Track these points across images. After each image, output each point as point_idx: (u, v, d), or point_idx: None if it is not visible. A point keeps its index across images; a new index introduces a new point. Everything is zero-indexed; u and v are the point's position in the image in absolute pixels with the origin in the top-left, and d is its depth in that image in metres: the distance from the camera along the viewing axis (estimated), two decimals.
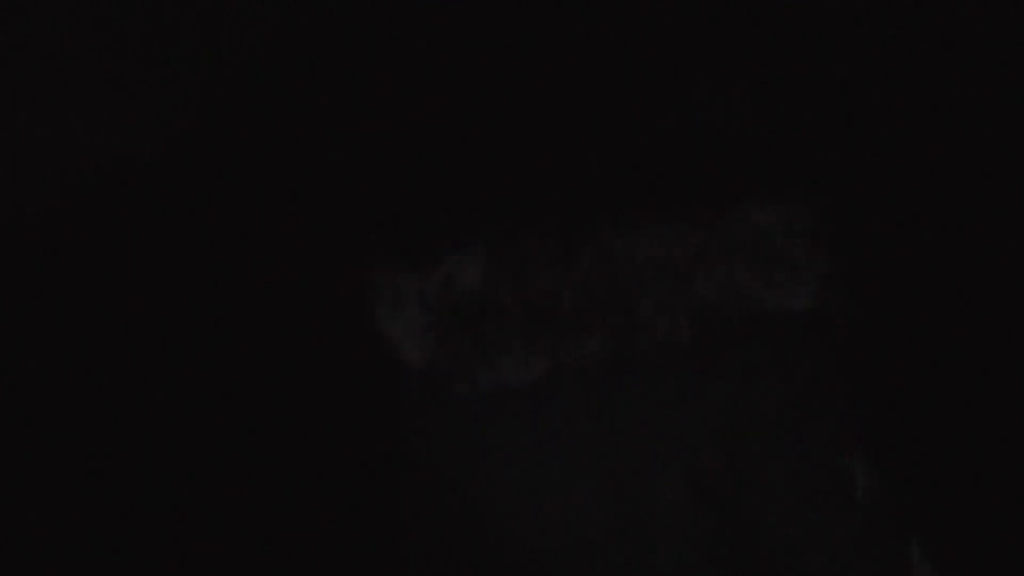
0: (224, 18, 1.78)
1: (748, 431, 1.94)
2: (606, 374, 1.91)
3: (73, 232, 1.76)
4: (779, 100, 1.96)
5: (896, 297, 1.97)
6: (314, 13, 1.83)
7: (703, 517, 1.91)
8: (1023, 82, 2.09)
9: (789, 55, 1.98)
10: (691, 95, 1.93)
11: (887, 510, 1.93)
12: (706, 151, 1.94)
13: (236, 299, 1.90)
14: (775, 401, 1.95)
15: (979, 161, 2.10)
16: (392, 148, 1.93)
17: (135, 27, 1.71)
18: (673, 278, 1.92)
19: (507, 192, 1.92)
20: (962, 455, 2.05)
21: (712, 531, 1.91)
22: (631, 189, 1.92)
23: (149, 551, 1.83)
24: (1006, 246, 2.07)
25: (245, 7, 1.79)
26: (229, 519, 1.86)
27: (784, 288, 1.95)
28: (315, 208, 1.89)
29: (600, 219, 1.90)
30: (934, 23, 2.03)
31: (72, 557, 1.76)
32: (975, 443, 2.10)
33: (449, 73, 1.92)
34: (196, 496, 1.87)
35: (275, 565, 1.86)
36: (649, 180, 1.91)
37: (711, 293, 1.93)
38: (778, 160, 1.95)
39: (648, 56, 1.90)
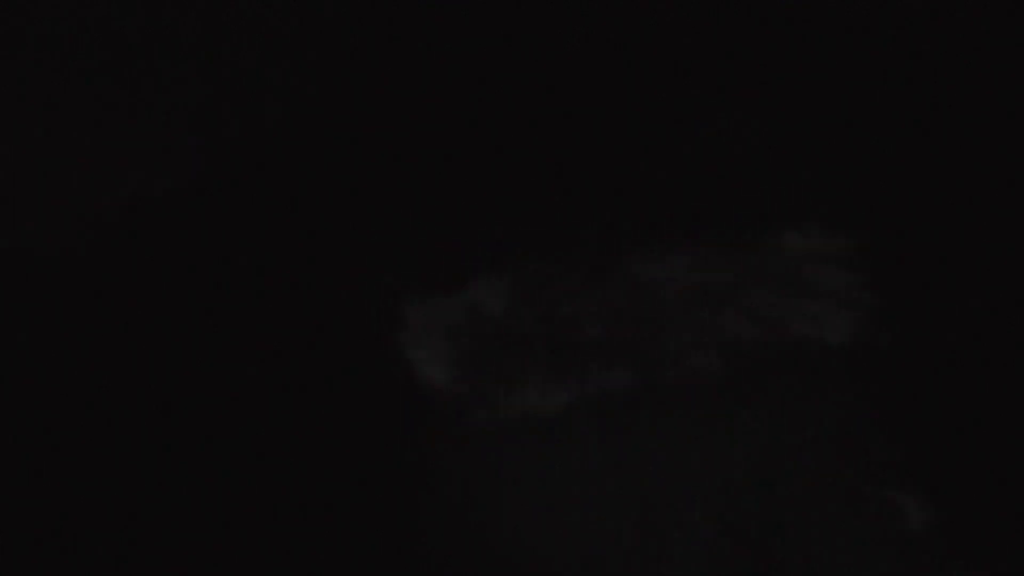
0: (239, 49, 1.75)
1: (783, 468, 1.86)
2: (632, 406, 1.85)
3: (92, 267, 1.74)
4: (816, 125, 1.89)
5: (941, 326, 1.89)
6: (332, 42, 1.81)
7: (734, 557, 1.84)
8: None
9: (828, 78, 1.92)
10: (722, 118, 1.87)
11: (942, 543, 1.84)
12: (738, 176, 1.88)
13: (258, 326, 1.87)
14: (813, 436, 1.87)
15: None
16: (416, 175, 1.90)
17: (148, 65, 1.69)
18: (703, 308, 1.85)
19: (532, 218, 1.88)
20: (1018, 483, 1.95)
21: (743, 573, 1.83)
22: (660, 215, 1.86)
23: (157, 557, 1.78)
24: None
25: (259, 39, 1.76)
26: (252, 541, 1.82)
27: (821, 319, 1.88)
28: (339, 237, 1.86)
29: (627, 246, 1.85)
30: (979, 54, 1.97)
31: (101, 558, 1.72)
32: None
33: (473, 101, 1.88)
34: (219, 516, 1.84)
35: None
36: (678, 206, 1.86)
37: (743, 324, 1.86)
38: (815, 186, 1.89)
39: (678, 79, 1.85)
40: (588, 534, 1.83)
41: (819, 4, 1.86)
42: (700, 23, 1.87)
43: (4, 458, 1.77)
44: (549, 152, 1.87)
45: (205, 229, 1.87)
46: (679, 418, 1.85)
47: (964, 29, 1.97)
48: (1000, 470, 1.85)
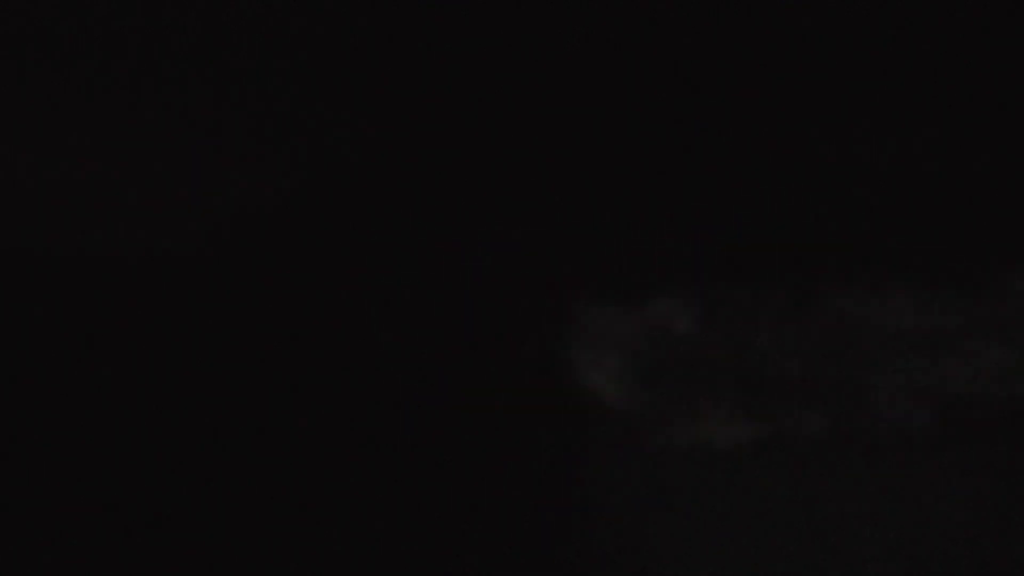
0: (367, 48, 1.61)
1: (1002, 545, 1.64)
2: (822, 452, 1.65)
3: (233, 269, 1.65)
4: None
5: None
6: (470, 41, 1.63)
7: None
8: None
9: None
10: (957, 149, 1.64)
11: None
12: (966, 210, 1.64)
13: (416, 333, 1.72)
14: None
15: None
16: (598, 166, 1.71)
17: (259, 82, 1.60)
18: (920, 354, 1.63)
19: (734, 234, 1.67)
20: None
21: None
22: (878, 246, 1.64)
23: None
24: None
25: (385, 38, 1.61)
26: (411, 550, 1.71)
27: None
28: (503, 235, 1.69)
29: (838, 277, 1.64)
30: None
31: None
32: None
33: (670, 104, 1.68)
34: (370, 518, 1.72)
35: None
36: (899, 237, 1.63)
37: (963, 375, 1.64)
38: None
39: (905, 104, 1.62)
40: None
41: None
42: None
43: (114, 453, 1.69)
44: (757, 161, 1.66)
45: (353, 233, 1.73)
46: (874, 472, 1.64)
47: None
48: None
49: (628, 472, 1.72)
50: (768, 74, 1.63)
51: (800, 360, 1.65)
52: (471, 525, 1.75)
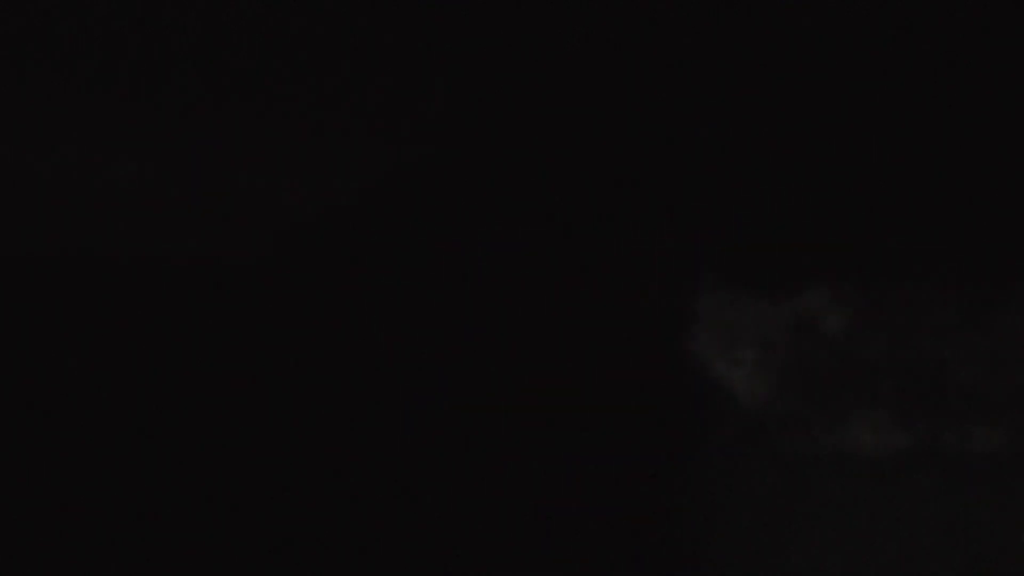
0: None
1: None
2: (991, 469, 1.47)
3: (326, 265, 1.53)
4: None
5: None
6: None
7: None
8: None
9: None
10: None
11: None
12: None
13: (547, 325, 1.54)
14: None
15: None
16: (742, 144, 1.49)
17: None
18: None
19: (900, 224, 1.46)
20: None
21: None
22: None
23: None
24: None
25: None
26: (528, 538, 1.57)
27: None
28: (626, 211, 1.48)
29: None
30: None
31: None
32: None
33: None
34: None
35: None
36: None
37: None
38: None
39: None
40: None
41: None
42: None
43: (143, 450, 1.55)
44: (927, 138, 1.44)
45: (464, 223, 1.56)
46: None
47: None
48: None
49: (755, 476, 1.55)
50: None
51: (974, 369, 1.45)
52: (586, 525, 1.60)
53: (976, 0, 1.41)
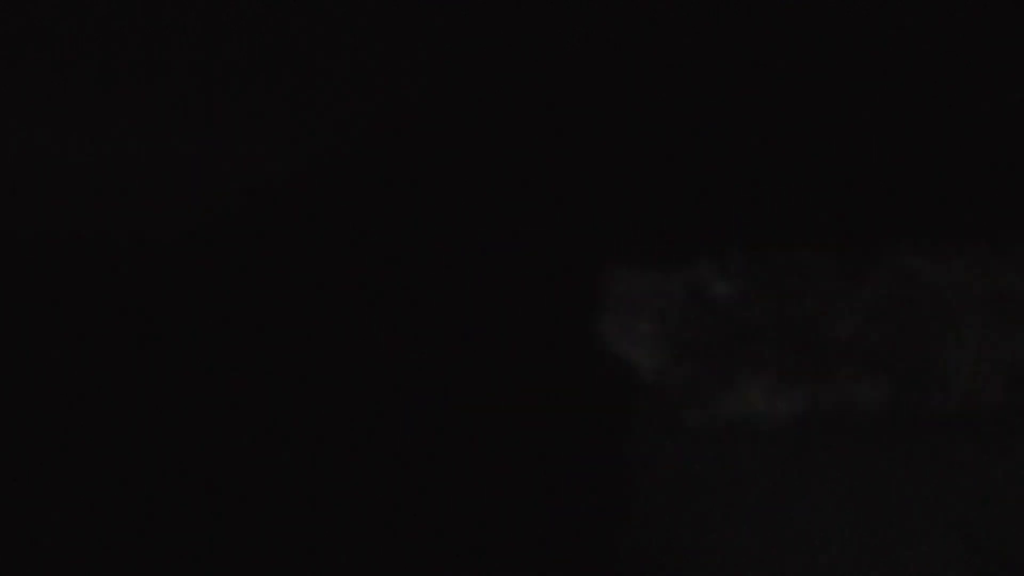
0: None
1: None
2: (877, 425, 1.49)
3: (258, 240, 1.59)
4: None
5: None
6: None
7: None
8: None
9: None
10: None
11: None
12: None
13: (452, 307, 1.60)
14: None
15: None
16: (632, 123, 1.55)
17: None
18: (993, 323, 1.47)
19: (779, 189, 1.51)
20: None
21: None
22: (952, 202, 1.47)
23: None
24: None
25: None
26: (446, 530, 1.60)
27: None
28: (533, 195, 1.55)
29: (902, 236, 1.47)
30: None
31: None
32: None
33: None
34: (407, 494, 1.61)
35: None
36: (979, 194, 1.47)
37: None
38: None
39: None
40: (800, 561, 1.49)
41: None
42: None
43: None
44: (803, 111, 1.50)
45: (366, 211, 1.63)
46: (936, 448, 1.48)
47: None
48: None
49: (665, 449, 1.58)
50: (814, 32, 1.48)
51: (856, 326, 1.48)
52: (504, 507, 1.63)
53: None
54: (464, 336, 1.57)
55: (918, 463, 1.49)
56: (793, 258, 1.50)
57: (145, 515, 1.57)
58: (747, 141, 1.51)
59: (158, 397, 1.57)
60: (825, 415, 1.51)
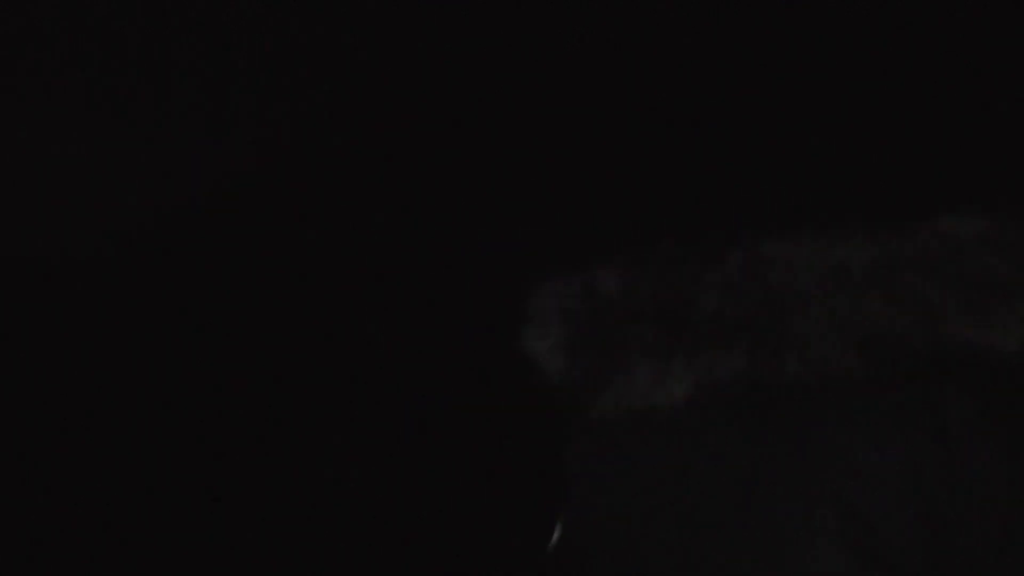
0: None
1: (933, 494, 1.59)
2: (750, 396, 1.63)
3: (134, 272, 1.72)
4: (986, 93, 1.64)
5: None
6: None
7: None
8: None
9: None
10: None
11: None
12: (886, 152, 1.65)
13: (374, 313, 1.78)
14: (972, 462, 1.59)
15: None
16: (532, 158, 1.77)
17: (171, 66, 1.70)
18: (841, 292, 1.62)
19: (648, 194, 1.71)
20: None
21: None
22: (793, 189, 1.66)
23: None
24: None
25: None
26: (368, 534, 1.72)
27: (990, 320, 1.61)
28: (459, 221, 1.75)
29: (754, 221, 1.65)
30: None
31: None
32: None
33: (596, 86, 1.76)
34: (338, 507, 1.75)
35: None
36: (812, 183, 1.65)
37: (889, 315, 1.61)
38: (979, 165, 1.63)
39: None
40: (703, 533, 1.61)
41: None
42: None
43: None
44: (666, 124, 1.71)
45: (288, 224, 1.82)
46: (802, 414, 1.61)
47: None
48: None
49: (583, 443, 1.72)
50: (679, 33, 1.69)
51: (719, 301, 1.65)
52: (433, 511, 1.77)
53: None
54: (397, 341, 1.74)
55: (783, 433, 1.62)
56: (664, 249, 1.69)
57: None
58: (617, 148, 1.72)
59: (145, 396, 1.71)
60: (708, 393, 1.65)
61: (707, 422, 1.65)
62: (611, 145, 1.72)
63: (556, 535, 1.70)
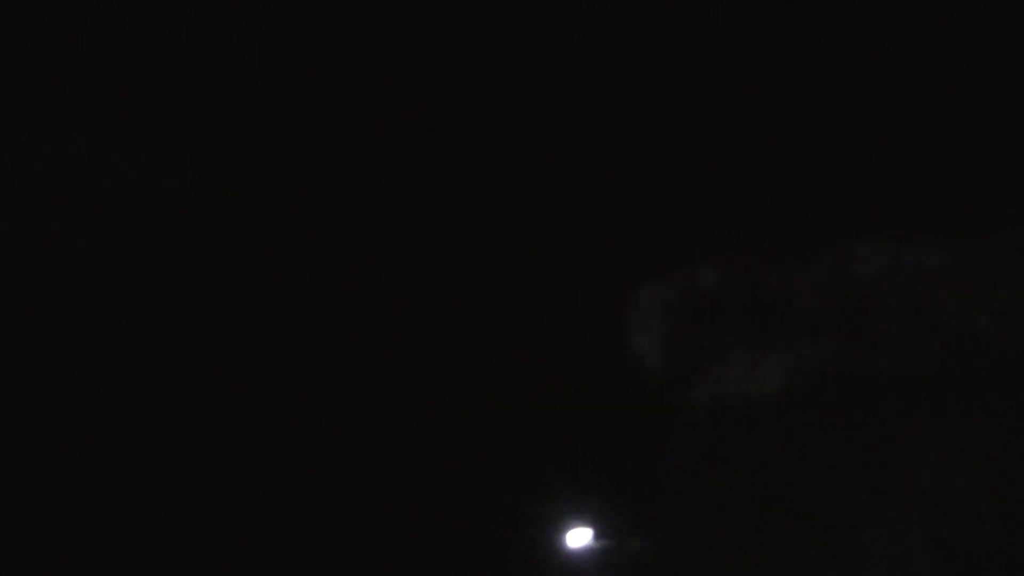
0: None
1: (1019, 491, 1.63)
2: (842, 391, 1.67)
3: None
4: None
5: None
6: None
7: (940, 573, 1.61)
8: None
9: None
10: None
11: None
12: (975, 153, 1.71)
13: (482, 313, 1.77)
14: None
15: None
16: (637, 162, 1.80)
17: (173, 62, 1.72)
18: (928, 291, 1.67)
19: (745, 196, 1.76)
20: None
21: None
22: (883, 192, 1.71)
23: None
24: None
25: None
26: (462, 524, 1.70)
27: None
28: (565, 225, 1.77)
29: (845, 222, 1.71)
30: None
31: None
32: None
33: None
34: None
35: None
36: (907, 184, 1.70)
37: (976, 315, 1.67)
38: None
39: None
40: (790, 520, 1.64)
41: None
42: None
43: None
44: (767, 128, 1.76)
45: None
46: (889, 409, 1.66)
47: None
48: None
49: (682, 432, 1.72)
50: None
51: (810, 296, 1.70)
52: (529, 495, 1.76)
53: None
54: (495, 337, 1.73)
55: (871, 427, 1.67)
56: (760, 246, 1.74)
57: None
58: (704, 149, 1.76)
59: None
60: (801, 383, 1.69)
61: (797, 415, 1.69)
62: (710, 150, 1.77)
63: (634, 543, 1.72)
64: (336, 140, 1.78)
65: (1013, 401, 1.65)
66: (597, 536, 1.69)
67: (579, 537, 1.72)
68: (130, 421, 1.68)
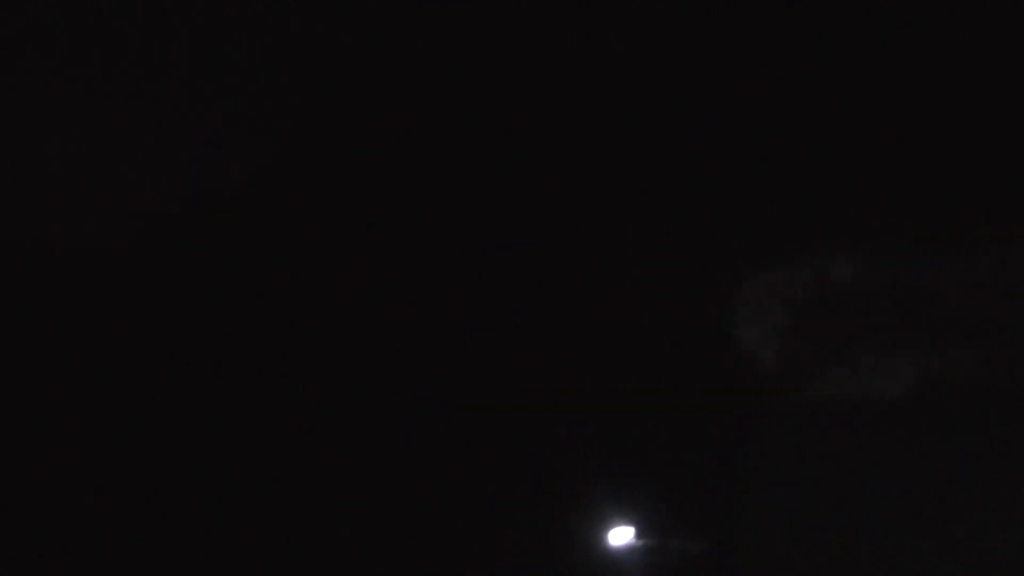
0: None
1: None
2: (973, 399, 1.63)
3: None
4: None
5: None
6: None
7: None
8: None
9: None
10: None
11: None
12: None
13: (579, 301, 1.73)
14: None
15: None
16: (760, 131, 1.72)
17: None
18: None
19: (890, 182, 1.68)
20: None
21: None
22: None
23: None
24: None
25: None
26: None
27: None
28: (663, 201, 1.70)
29: (1005, 218, 1.63)
30: None
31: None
32: None
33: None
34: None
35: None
36: None
37: None
38: None
39: None
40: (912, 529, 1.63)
41: None
42: None
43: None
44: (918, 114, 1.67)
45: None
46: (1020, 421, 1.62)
47: None
48: None
49: (794, 429, 1.69)
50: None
51: (959, 300, 1.64)
52: (637, 487, 1.74)
53: None
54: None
55: (998, 439, 1.62)
56: (907, 242, 1.66)
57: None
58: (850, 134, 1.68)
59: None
60: (933, 389, 1.64)
61: (922, 419, 1.65)
62: (857, 128, 1.68)
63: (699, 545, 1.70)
64: (357, 145, 1.73)
65: None
66: (644, 535, 1.68)
67: (622, 535, 1.71)
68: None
